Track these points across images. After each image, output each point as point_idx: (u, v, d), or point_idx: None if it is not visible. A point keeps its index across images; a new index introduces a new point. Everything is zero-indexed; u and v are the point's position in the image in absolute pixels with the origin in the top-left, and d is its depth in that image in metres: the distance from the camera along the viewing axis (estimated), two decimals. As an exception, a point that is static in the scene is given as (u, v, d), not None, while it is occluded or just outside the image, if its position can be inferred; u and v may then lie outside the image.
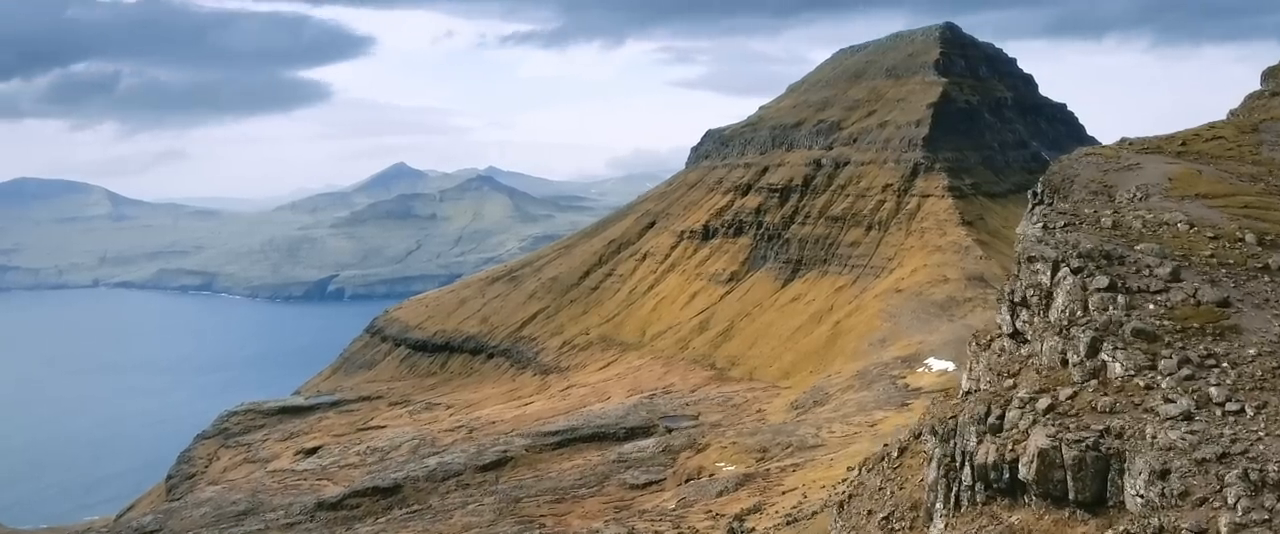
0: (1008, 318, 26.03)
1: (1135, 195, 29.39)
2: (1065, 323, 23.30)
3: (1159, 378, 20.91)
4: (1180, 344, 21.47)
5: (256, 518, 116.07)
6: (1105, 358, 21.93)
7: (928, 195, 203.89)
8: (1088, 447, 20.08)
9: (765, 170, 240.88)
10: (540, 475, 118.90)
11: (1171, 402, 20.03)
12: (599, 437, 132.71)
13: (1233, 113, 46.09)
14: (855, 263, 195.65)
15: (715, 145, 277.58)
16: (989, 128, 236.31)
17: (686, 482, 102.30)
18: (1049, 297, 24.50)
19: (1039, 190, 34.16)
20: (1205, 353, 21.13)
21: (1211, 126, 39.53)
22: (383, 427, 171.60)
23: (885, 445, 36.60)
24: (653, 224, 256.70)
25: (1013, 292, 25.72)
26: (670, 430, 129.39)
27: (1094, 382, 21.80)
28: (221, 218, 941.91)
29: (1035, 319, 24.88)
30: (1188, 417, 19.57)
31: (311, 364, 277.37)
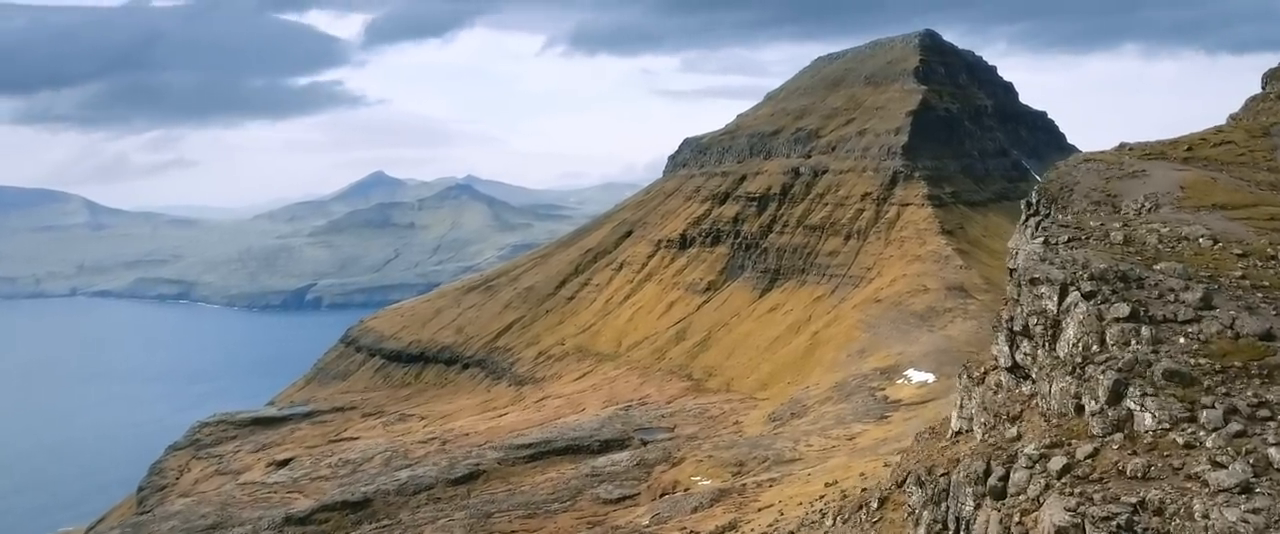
0: (1006, 349, 22.16)
1: (1144, 206, 26.14)
2: (1078, 359, 19.46)
3: (1202, 433, 17.06)
4: (1223, 389, 17.57)
5: (224, 532, 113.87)
6: (1132, 406, 18.04)
7: (907, 204, 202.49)
8: (1120, 527, 16.04)
9: (743, 179, 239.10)
10: (512, 489, 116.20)
11: (1222, 466, 16.12)
12: (573, 449, 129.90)
13: (1233, 117, 43.22)
14: (834, 272, 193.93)
15: (693, 154, 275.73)
16: (969, 136, 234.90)
17: (661, 497, 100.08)
18: (1056, 326, 20.69)
19: (1034, 200, 30.85)
20: (1255, 401, 17.22)
21: (1218, 130, 36.43)
22: (355, 438, 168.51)
23: (863, 491, 33.05)
24: (630, 233, 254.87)
25: (1012, 319, 21.75)
26: (645, 443, 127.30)
27: (1119, 436, 17.94)
28: (199, 227, 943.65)
29: (1039, 352, 21.08)
30: (1246, 489, 15.61)
31: (287, 374, 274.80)
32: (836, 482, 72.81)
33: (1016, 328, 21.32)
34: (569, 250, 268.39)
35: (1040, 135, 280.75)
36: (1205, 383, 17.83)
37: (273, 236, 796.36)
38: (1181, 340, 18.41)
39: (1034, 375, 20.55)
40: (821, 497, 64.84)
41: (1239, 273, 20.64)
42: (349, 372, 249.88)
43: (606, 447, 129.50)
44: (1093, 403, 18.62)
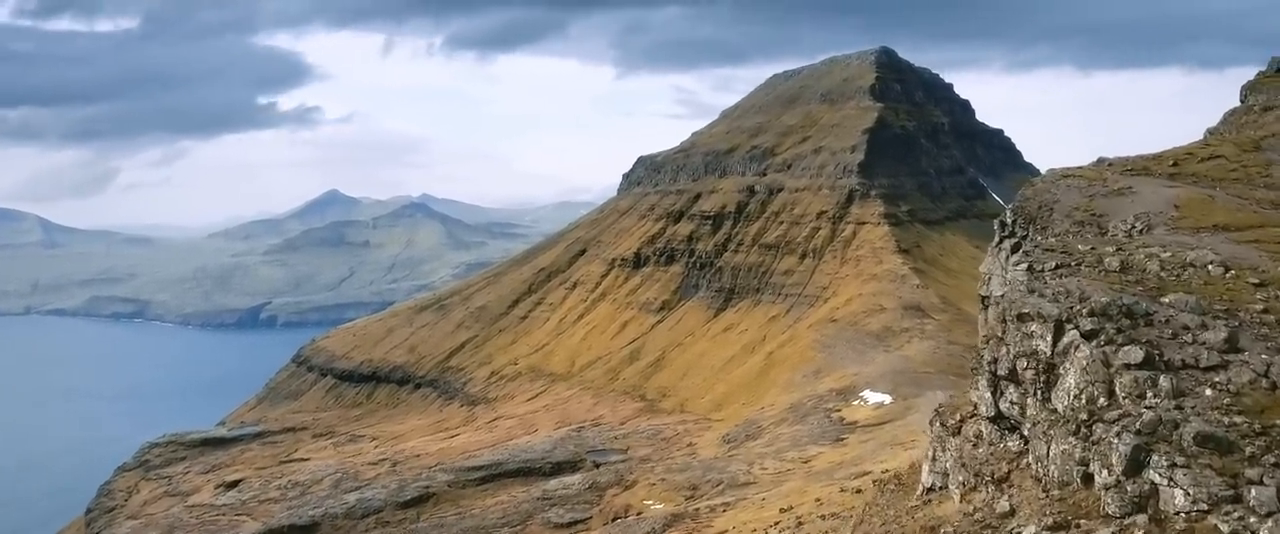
0: (988, 396, 18.43)
1: (1135, 227, 23.21)
2: (1083, 415, 15.71)
3: (1252, 519, 13.27)
4: (1271, 458, 13.88)
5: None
6: (1157, 479, 14.22)
7: (863, 223, 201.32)
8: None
9: (698, 197, 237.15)
10: (462, 513, 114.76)
11: (1284, 566, 12.50)
12: (524, 472, 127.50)
13: (1212, 131, 40.71)
14: (789, 292, 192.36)
15: (647, 172, 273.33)
16: (925, 154, 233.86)
17: (613, 521, 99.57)
18: (1051, 370, 16.95)
19: (1010, 220, 27.85)
20: (1314, 474, 13.72)
21: (1206, 144, 33.73)
22: (306, 459, 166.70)
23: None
24: (583, 252, 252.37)
25: (995, 360, 18.04)
26: (598, 465, 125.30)
27: (1142, 518, 14.13)
28: (154, 245, 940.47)
29: (1029, 401, 17.36)
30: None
31: (240, 393, 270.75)
32: (791, 507, 72.35)
33: (1000, 372, 17.78)
34: (522, 269, 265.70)
35: (997, 153, 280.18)
36: (1247, 450, 14.18)
37: (227, 255, 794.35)
38: (1208, 392, 14.82)
39: (1026, 431, 17.10)
40: (776, 523, 64.45)
41: (1260, 306, 17.41)
42: (300, 391, 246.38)
43: (558, 469, 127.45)
44: (1105, 473, 14.94)
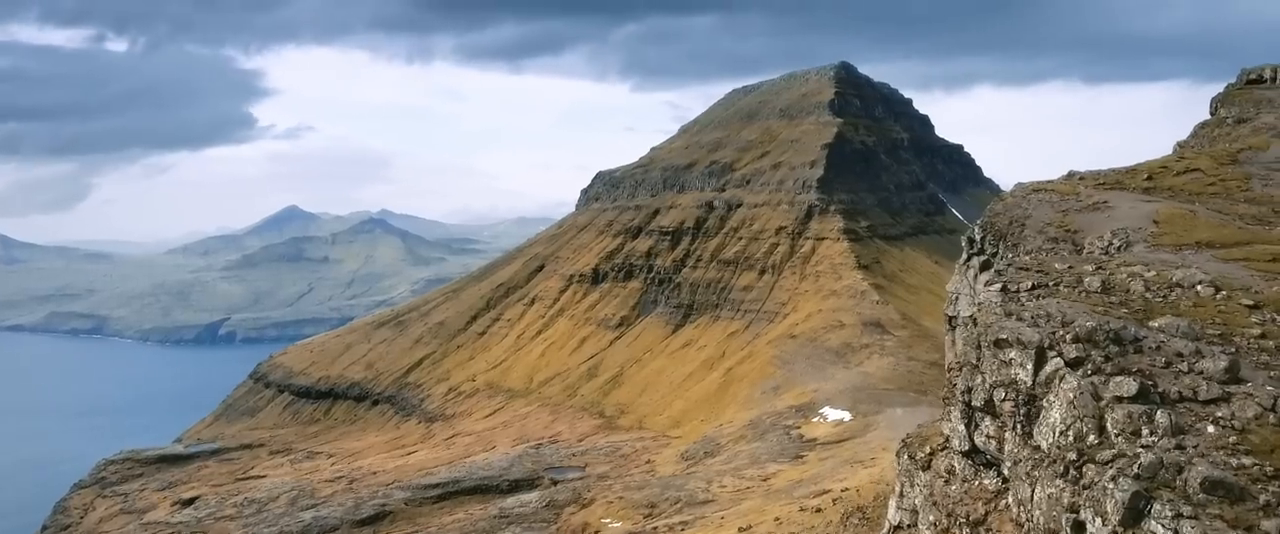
0: (962, 428, 16.60)
1: (1113, 244, 21.78)
2: (1071, 454, 13.84)
3: None
4: None
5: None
6: (1161, 531, 12.27)
7: (822, 238, 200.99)
8: None
9: (656, 213, 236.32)
10: (419, 531, 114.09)
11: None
12: (482, 489, 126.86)
13: (1182, 144, 39.55)
14: (748, 308, 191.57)
15: (605, 187, 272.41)
16: (885, 169, 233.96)
17: None
18: (1032, 402, 15.13)
19: (978, 236, 26.46)
20: (1336, 527, 11.98)
21: (1181, 157, 32.47)
22: (262, 477, 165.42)
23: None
24: (541, 267, 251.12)
25: (970, 390, 16.25)
26: (555, 483, 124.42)
27: None
28: (113, 261, 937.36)
29: (1008, 435, 15.52)
30: None
31: (198, 409, 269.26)
32: (750, 526, 72.82)
33: (975, 403, 16.10)
34: (480, 285, 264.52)
35: (957, 169, 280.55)
36: (1260, 497, 12.37)
37: (186, 271, 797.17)
38: (1211, 430, 12.98)
39: (1005, 470, 15.45)
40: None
41: (1257, 331, 15.86)
42: (258, 408, 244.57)
43: (516, 486, 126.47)
44: (1099, 522, 13.09)
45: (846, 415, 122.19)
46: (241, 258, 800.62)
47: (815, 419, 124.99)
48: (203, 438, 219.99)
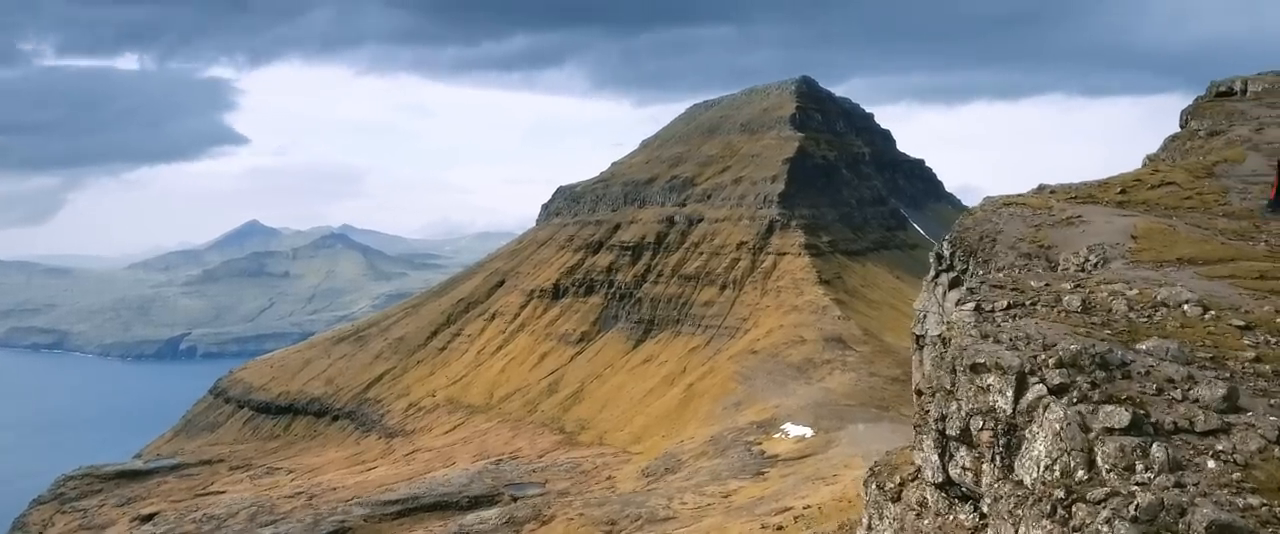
0: (935, 458, 14.99)
1: (1089, 260, 20.71)
2: (1059, 492, 12.31)
3: None
4: None
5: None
6: None
7: (784, 253, 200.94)
8: None
9: (617, 228, 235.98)
10: None
11: None
12: (441, 505, 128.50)
13: (1151, 158, 38.77)
14: (709, 323, 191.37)
15: (566, 202, 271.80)
16: (846, 184, 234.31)
17: None
18: (1013, 432, 13.58)
19: (947, 252, 25.37)
20: (1356, 575, 10.78)
21: (1155, 170, 31.57)
22: (222, 492, 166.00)
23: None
24: (502, 283, 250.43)
25: (944, 418, 14.75)
26: (515, 499, 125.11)
27: None
28: (74, 276, 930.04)
29: (986, 467, 13.96)
30: None
31: (158, 425, 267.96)
32: None
33: (949, 432, 14.71)
34: (441, 300, 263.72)
35: (918, 184, 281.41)
36: None
37: (147, 286, 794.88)
38: (1212, 465, 11.44)
39: (984, 506, 14.10)
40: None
41: (1251, 354, 14.67)
42: (218, 423, 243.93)
43: (475, 503, 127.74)
44: None
45: (808, 431, 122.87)
46: (202, 273, 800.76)
47: (777, 435, 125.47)
48: (162, 453, 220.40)
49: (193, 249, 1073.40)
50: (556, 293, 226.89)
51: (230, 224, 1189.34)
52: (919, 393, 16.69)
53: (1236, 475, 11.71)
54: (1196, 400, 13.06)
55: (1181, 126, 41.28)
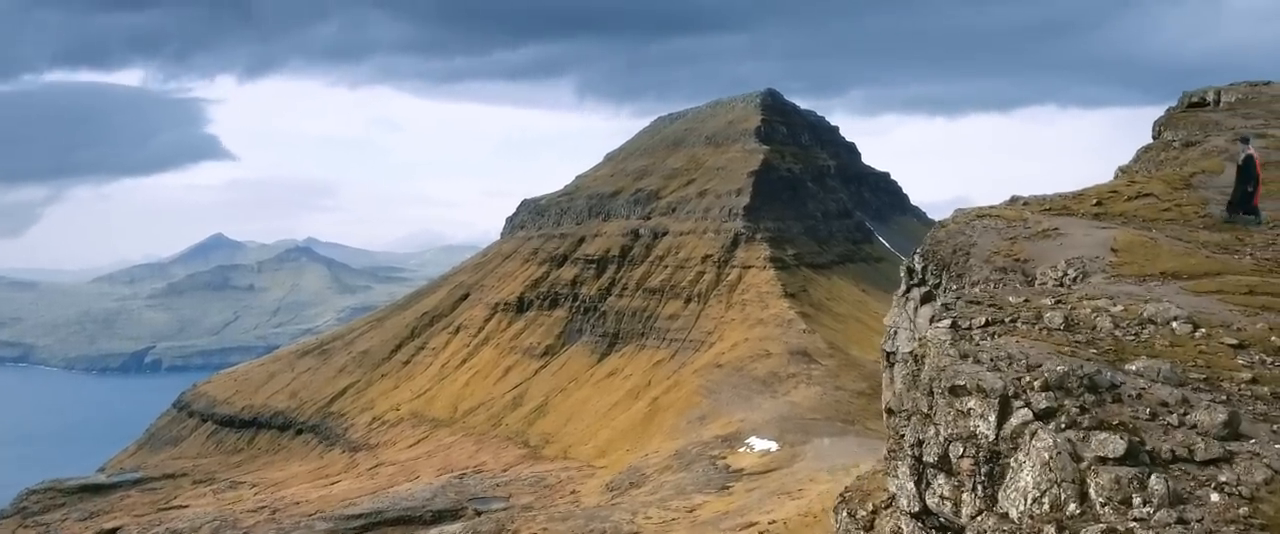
0: (911, 487, 13.57)
1: (1068, 274, 19.84)
2: (1049, 528, 11.29)
3: None
4: None
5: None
6: None
7: (749, 266, 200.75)
8: None
9: (582, 241, 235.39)
10: None
11: None
12: (405, 520, 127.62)
13: (1124, 169, 38.11)
14: (673, 337, 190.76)
15: (530, 215, 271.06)
16: (812, 197, 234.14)
17: None
18: (996, 460, 12.51)
19: (919, 267, 24.44)
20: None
21: (1132, 181, 30.83)
22: (185, 506, 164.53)
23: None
24: (466, 296, 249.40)
25: (920, 443, 13.60)
26: (479, 513, 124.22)
27: None
28: (39, 289, 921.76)
29: (966, 497, 12.75)
30: None
31: (122, 438, 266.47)
32: None
33: (929, 458, 13.57)
34: (405, 313, 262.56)
35: (883, 196, 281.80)
36: None
37: (112, 299, 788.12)
38: (1215, 498, 10.37)
39: None
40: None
41: (1247, 375, 13.73)
42: (181, 437, 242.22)
43: (439, 517, 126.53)
44: None
45: (773, 445, 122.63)
46: (167, 286, 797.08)
47: (742, 449, 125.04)
48: (126, 467, 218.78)
49: (158, 262, 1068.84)
50: (521, 306, 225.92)
51: (196, 237, 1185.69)
52: (890, 411, 15.81)
53: (1243, 510, 10.73)
54: (1194, 426, 12.09)
55: (1155, 137, 40.65)
